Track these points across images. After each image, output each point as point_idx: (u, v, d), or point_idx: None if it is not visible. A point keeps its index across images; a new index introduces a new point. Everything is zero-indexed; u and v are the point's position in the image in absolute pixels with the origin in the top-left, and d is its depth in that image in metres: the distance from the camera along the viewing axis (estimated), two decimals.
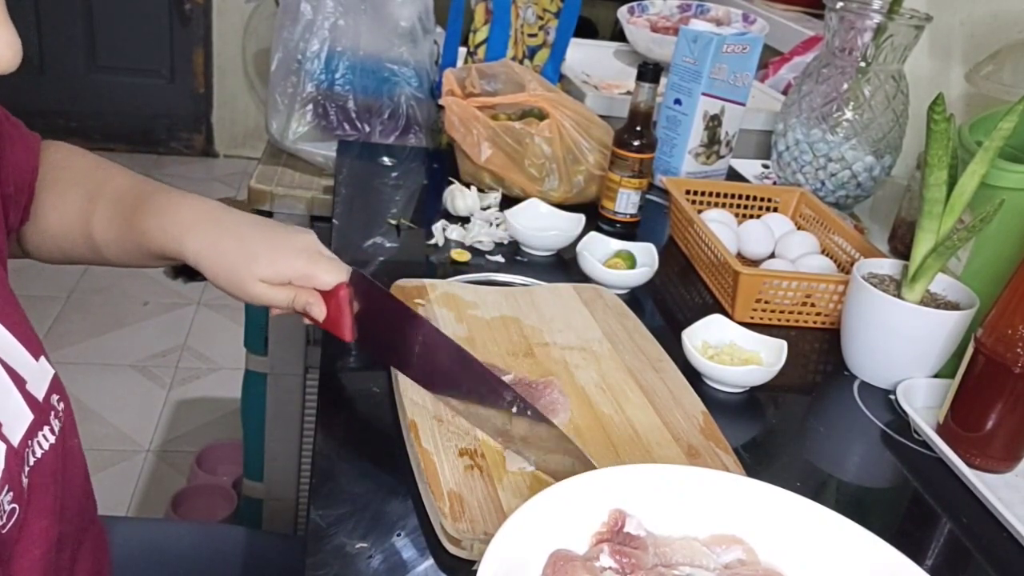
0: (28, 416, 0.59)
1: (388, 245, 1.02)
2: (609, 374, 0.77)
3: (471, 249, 1.02)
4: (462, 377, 0.67)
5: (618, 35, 1.85)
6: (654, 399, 0.74)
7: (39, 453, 0.60)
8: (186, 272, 2.73)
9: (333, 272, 0.71)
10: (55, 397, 0.63)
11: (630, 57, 1.74)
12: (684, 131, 1.23)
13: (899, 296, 0.82)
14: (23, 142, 0.74)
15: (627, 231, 1.13)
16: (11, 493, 0.56)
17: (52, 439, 0.61)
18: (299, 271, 0.71)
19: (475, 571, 0.46)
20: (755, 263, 1.06)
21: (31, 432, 0.59)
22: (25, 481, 0.58)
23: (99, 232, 0.75)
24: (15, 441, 0.57)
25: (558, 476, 0.64)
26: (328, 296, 0.72)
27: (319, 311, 0.72)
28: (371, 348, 0.75)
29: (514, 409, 0.65)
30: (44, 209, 0.76)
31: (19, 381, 0.59)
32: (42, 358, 0.62)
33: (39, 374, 0.62)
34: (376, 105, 1.34)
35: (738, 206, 1.16)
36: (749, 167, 1.38)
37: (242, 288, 0.71)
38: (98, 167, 0.79)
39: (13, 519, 0.56)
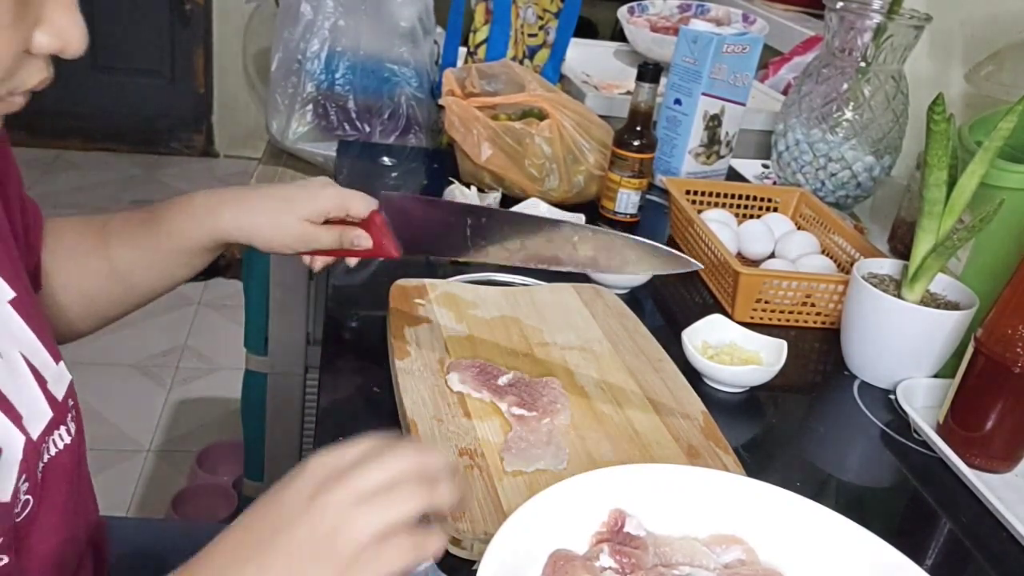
0: (48, 413, 0.61)
1: None
2: (609, 374, 0.77)
3: None
4: (522, 232, 0.72)
5: (618, 35, 1.85)
6: (654, 399, 0.75)
7: (53, 451, 0.61)
8: None
9: (364, 200, 0.76)
10: (70, 401, 0.65)
11: (630, 57, 1.74)
12: (684, 131, 1.23)
13: (899, 296, 0.82)
14: (35, 217, 0.74)
15: (627, 231, 1.13)
16: (28, 483, 0.57)
17: (68, 439, 0.63)
18: (334, 200, 0.75)
19: (475, 571, 0.46)
20: (755, 263, 1.06)
21: (49, 429, 0.60)
22: (39, 476, 0.59)
23: (119, 256, 0.77)
24: (34, 435, 0.58)
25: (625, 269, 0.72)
26: (366, 226, 0.76)
27: (367, 241, 0.76)
28: (422, 252, 0.80)
29: (575, 237, 0.70)
30: (54, 263, 0.75)
31: (41, 380, 0.61)
32: (61, 363, 0.64)
33: (58, 376, 0.64)
34: (376, 105, 1.34)
35: (738, 206, 1.16)
36: (749, 167, 1.37)
37: (290, 232, 0.74)
38: (91, 215, 0.81)
39: (27, 510, 0.57)
